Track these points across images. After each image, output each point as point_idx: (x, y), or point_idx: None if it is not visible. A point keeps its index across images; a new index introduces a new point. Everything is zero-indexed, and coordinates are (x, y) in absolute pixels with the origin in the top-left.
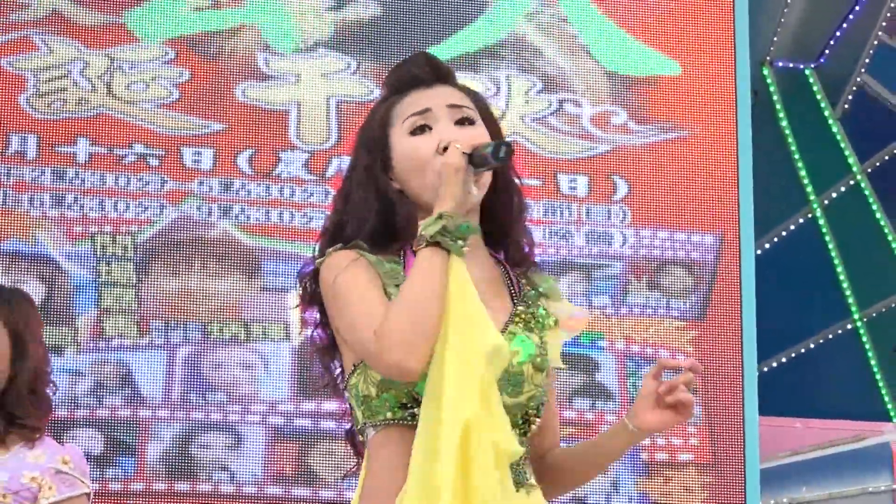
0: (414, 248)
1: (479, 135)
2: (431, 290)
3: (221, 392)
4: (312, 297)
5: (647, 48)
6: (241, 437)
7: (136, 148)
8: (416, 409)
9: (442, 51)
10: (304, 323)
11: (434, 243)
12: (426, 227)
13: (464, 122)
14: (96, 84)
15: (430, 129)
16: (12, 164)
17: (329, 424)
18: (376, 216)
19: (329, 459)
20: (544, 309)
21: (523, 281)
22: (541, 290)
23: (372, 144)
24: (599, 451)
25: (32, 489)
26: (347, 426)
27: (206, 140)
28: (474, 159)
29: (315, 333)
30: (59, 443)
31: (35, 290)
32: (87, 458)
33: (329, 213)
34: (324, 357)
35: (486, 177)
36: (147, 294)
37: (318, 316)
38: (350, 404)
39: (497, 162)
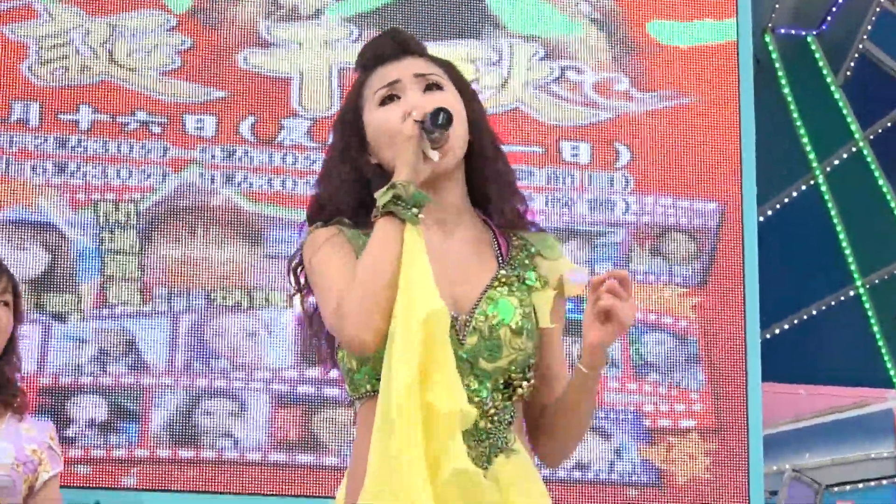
0: (371, 218)
1: (446, 99)
2: (384, 261)
3: (225, 359)
4: (298, 276)
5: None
6: (245, 404)
7: (139, 115)
8: None
9: (443, 18)
10: (302, 305)
11: (387, 213)
12: (380, 197)
13: (432, 87)
14: (98, 51)
15: (399, 98)
16: (15, 131)
17: (332, 391)
18: (353, 194)
19: (332, 426)
20: (534, 270)
21: (516, 243)
22: (533, 250)
23: (346, 124)
24: (571, 390)
25: (34, 462)
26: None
27: (208, 107)
28: (424, 126)
29: (307, 308)
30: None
31: (38, 257)
32: (92, 425)
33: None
34: (316, 333)
35: (456, 141)
36: (150, 261)
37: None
38: (343, 377)
39: (436, 128)
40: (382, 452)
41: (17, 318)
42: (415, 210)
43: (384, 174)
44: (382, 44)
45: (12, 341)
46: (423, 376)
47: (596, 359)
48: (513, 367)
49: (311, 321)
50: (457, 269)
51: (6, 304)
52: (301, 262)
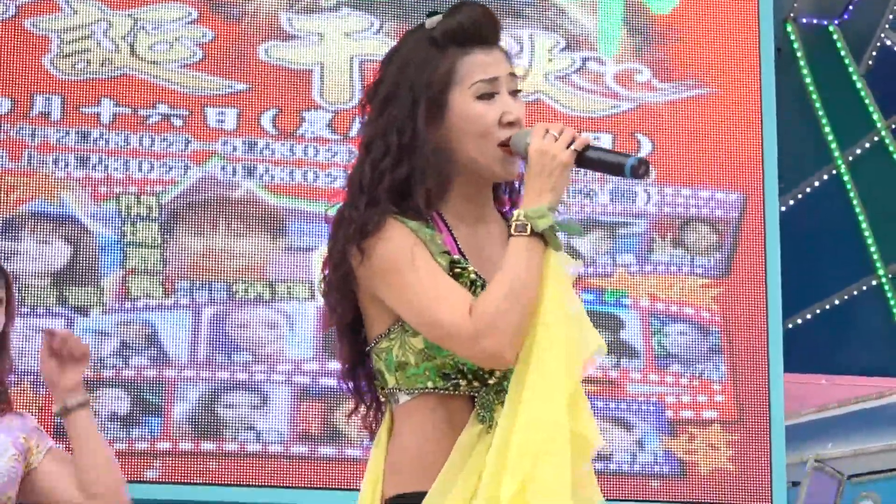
0: (512, 233)
1: (522, 109)
2: (534, 281)
3: (247, 352)
4: (346, 263)
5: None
6: (267, 396)
7: (160, 108)
8: (459, 380)
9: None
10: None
11: (539, 235)
12: (536, 216)
13: (516, 93)
14: (119, 44)
15: (494, 98)
16: (37, 125)
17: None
18: (405, 171)
19: (354, 418)
20: None
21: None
22: None
23: (424, 94)
24: None
25: (24, 449)
26: (351, 378)
27: (229, 100)
28: (587, 159)
29: (336, 301)
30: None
31: (61, 250)
32: (114, 418)
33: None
34: (343, 323)
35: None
36: (172, 254)
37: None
38: (376, 367)
39: (629, 176)
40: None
41: (10, 316)
42: (559, 237)
43: (443, 160)
44: (481, 18)
45: (4, 340)
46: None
47: None
48: None
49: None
50: (498, 259)
51: (7, 288)
52: (365, 242)
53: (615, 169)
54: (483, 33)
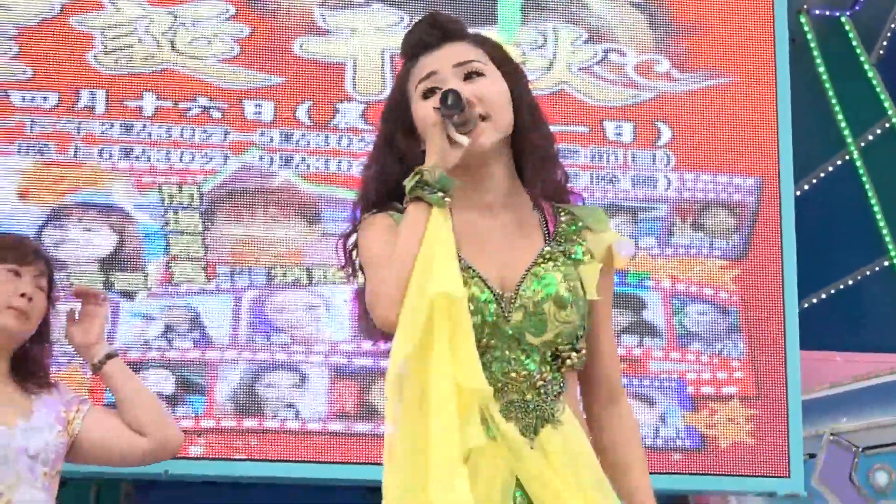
0: (404, 204)
1: (486, 86)
2: (411, 244)
3: (285, 334)
4: (348, 255)
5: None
6: (305, 376)
7: (200, 101)
8: None
9: (490, 4)
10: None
11: (415, 198)
12: (407, 183)
13: (472, 75)
14: (161, 40)
15: (440, 89)
16: (82, 118)
17: (388, 363)
18: (398, 181)
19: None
20: (581, 244)
21: (564, 218)
22: (581, 224)
23: (393, 114)
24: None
25: (65, 421)
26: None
27: (266, 93)
28: (441, 111)
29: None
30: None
31: (107, 239)
32: (160, 398)
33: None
34: (366, 310)
35: (499, 121)
36: (213, 241)
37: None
38: None
39: (448, 110)
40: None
41: (51, 303)
42: (440, 194)
43: (421, 160)
44: (422, 31)
45: (45, 327)
46: (424, 352)
47: None
48: (559, 340)
49: (360, 298)
50: (503, 250)
51: (41, 289)
52: (356, 244)
53: (442, 108)
54: (426, 41)
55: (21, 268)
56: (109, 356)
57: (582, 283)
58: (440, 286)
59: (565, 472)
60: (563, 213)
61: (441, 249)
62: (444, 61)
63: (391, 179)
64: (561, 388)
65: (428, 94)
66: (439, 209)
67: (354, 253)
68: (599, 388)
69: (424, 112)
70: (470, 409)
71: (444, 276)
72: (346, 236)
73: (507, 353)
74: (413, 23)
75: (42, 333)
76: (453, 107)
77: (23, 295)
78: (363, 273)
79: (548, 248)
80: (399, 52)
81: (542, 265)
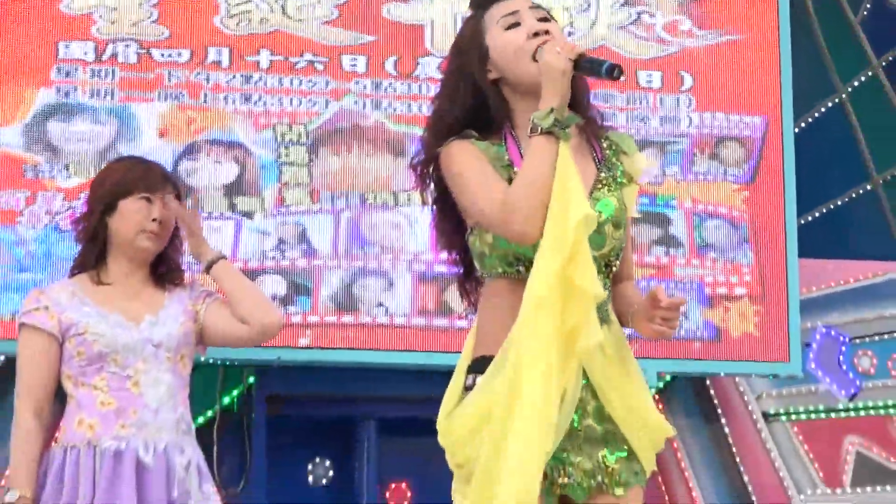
0: (529, 135)
1: (556, 28)
2: (546, 170)
3: (376, 246)
4: (428, 177)
5: None
6: (393, 280)
7: (306, 56)
8: (520, 266)
9: None
10: (423, 198)
11: (547, 132)
12: (541, 119)
13: (545, 19)
14: (274, 6)
15: (520, 24)
16: (210, 70)
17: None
18: (471, 106)
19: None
20: (621, 168)
21: (605, 144)
22: (615, 148)
23: (466, 49)
24: (625, 312)
25: (193, 312)
26: (459, 276)
27: (360, 49)
28: (581, 65)
29: (435, 207)
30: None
31: (230, 169)
32: (274, 298)
33: (432, 108)
34: (442, 223)
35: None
36: (317, 171)
37: (434, 191)
38: (472, 256)
39: (605, 77)
40: (524, 332)
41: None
42: (567, 131)
43: (496, 90)
44: None
45: (177, 236)
46: (572, 266)
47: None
48: (612, 254)
49: (440, 215)
50: None
51: (178, 196)
52: (434, 168)
53: (598, 71)
54: None
55: (152, 195)
56: (215, 260)
57: (625, 204)
58: (584, 209)
59: (619, 362)
60: (603, 140)
61: (574, 178)
62: (522, 4)
63: (465, 106)
64: (609, 291)
65: (512, 27)
66: (565, 142)
67: (430, 171)
68: (620, 280)
69: (510, 39)
70: (589, 311)
71: (582, 201)
72: (424, 162)
73: None
74: None
75: (174, 240)
76: (616, 77)
77: (154, 220)
78: (457, 194)
79: (602, 174)
80: (470, 5)
81: (601, 190)
